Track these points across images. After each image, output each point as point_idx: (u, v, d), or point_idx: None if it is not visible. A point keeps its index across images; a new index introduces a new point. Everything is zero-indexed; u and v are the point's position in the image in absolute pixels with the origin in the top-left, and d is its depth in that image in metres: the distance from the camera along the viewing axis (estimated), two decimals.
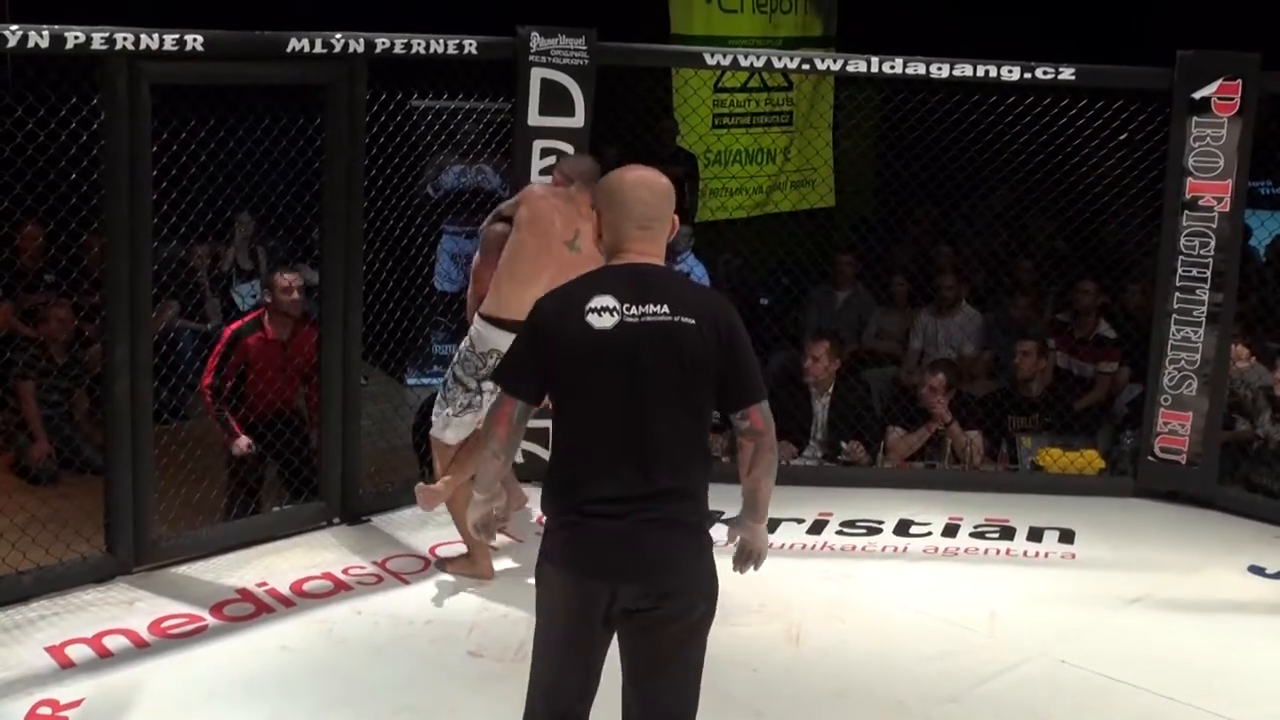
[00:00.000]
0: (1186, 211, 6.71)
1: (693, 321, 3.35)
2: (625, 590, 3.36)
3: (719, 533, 3.59)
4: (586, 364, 3.35)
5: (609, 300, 3.34)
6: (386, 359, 7.23)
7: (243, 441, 6.48)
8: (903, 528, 6.49)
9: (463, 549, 5.74)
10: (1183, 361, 6.79)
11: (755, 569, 3.68)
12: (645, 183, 3.48)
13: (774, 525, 6.48)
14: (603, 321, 3.33)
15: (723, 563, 3.52)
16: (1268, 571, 6.10)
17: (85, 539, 5.63)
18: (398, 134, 6.41)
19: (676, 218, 3.56)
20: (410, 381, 9.38)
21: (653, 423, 3.34)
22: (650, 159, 9.71)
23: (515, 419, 3.48)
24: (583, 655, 3.45)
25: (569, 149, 6.54)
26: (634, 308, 3.34)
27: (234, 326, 6.80)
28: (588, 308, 3.34)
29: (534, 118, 6.50)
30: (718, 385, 3.41)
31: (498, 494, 3.68)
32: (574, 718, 3.50)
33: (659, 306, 3.34)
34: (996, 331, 8.59)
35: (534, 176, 6.52)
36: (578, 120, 6.54)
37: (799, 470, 7.24)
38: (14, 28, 4.88)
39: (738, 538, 3.64)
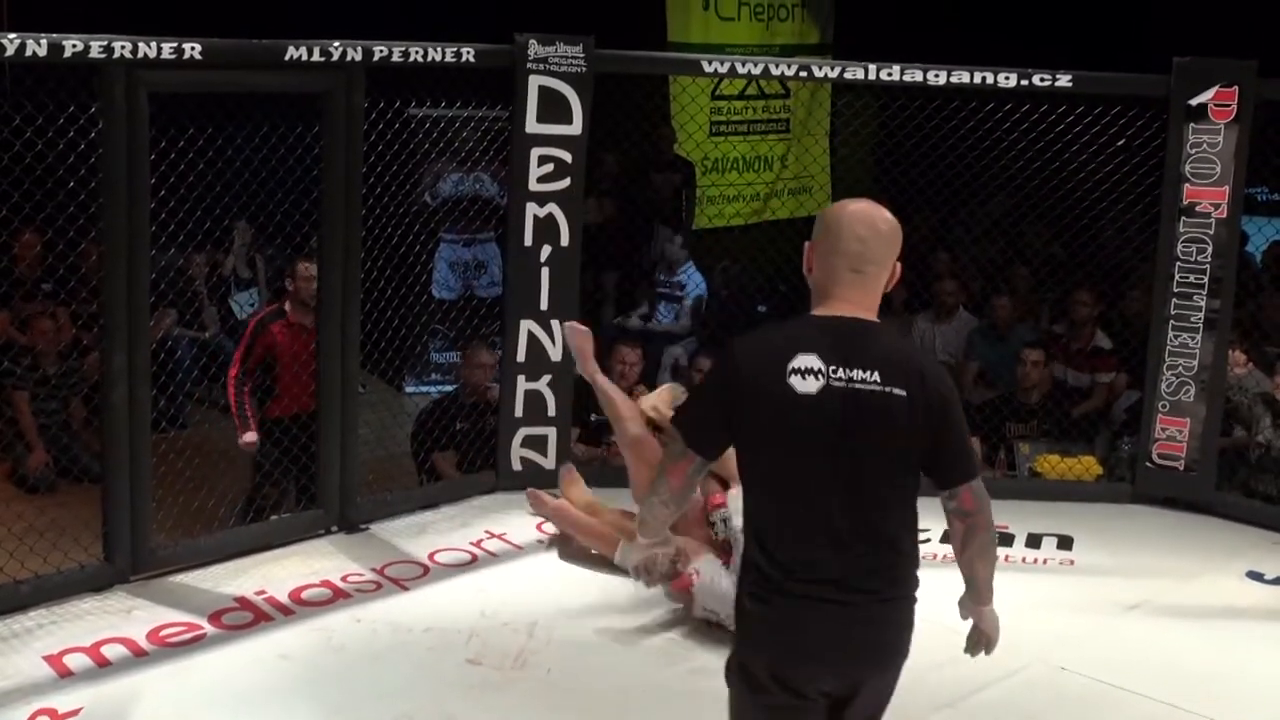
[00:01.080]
0: (1184, 218, 6.71)
1: (904, 393, 3.06)
2: (837, 680, 3.16)
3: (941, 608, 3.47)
4: (787, 431, 3.06)
5: (813, 360, 3.04)
6: (384, 367, 7.23)
7: (250, 437, 6.49)
8: None
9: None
10: (1180, 368, 6.80)
11: (988, 653, 3.51)
12: (864, 217, 3.15)
13: None
14: (806, 385, 3.03)
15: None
16: (1266, 577, 6.10)
17: (83, 548, 5.63)
18: (395, 141, 6.41)
19: (899, 266, 3.22)
20: (408, 390, 9.40)
21: (861, 498, 3.08)
22: (648, 166, 9.82)
23: (691, 475, 3.23)
24: None
25: (566, 156, 6.55)
26: (840, 370, 3.04)
27: (259, 316, 6.81)
28: (790, 367, 3.04)
29: (532, 125, 6.49)
30: (925, 459, 3.17)
31: (666, 539, 3.51)
32: None
33: (869, 374, 3.04)
34: (976, 338, 8.59)
35: (532, 185, 6.53)
36: (575, 128, 6.54)
37: None
38: (12, 36, 4.88)
39: (969, 620, 3.49)
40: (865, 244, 3.11)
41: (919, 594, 3.29)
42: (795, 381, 3.03)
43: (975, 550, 3.31)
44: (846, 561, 3.09)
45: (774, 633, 3.11)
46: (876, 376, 3.05)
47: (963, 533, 3.29)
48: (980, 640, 3.48)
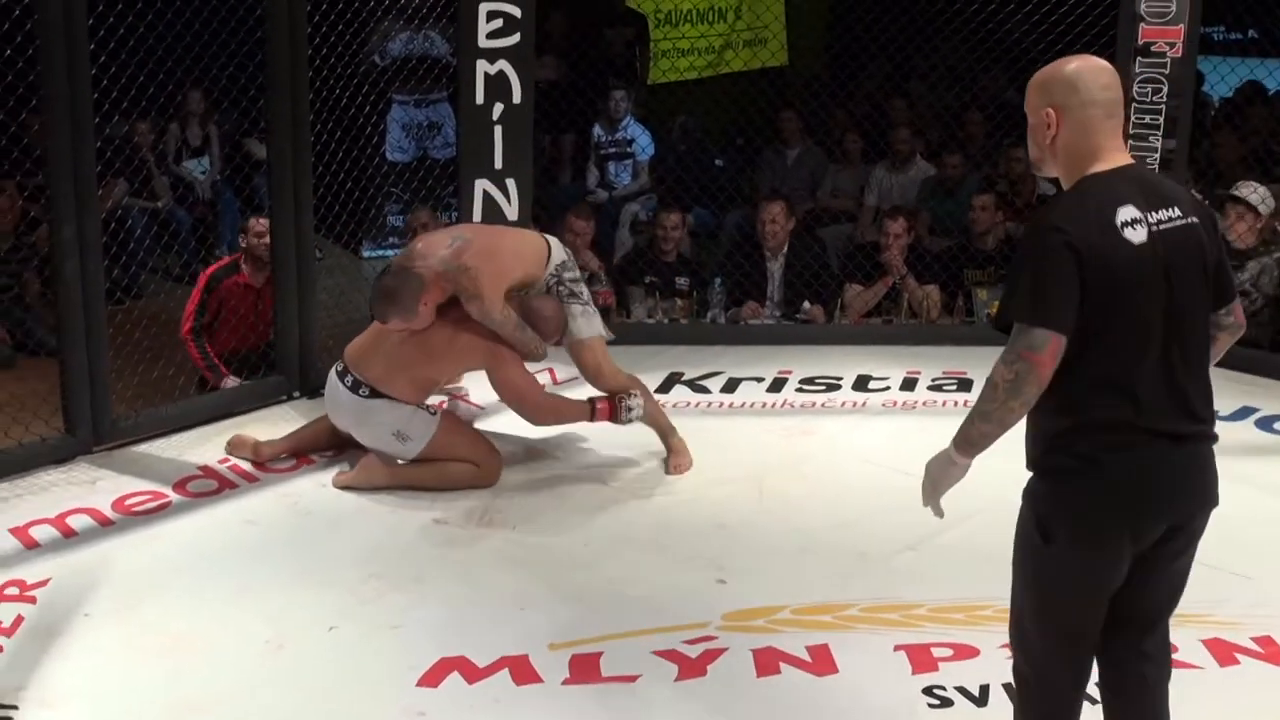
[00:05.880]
0: (1139, 58, 6.68)
1: (1197, 220, 3.07)
2: (1171, 522, 3.13)
3: None
4: (1126, 286, 2.98)
5: (1133, 211, 2.99)
6: (340, 232, 7.18)
7: (230, 382, 6.44)
8: (861, 383, 6.54)
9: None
10: None
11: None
12: (1101, 67, 3.11)
13: (734, 385, 6.53)
14: (1137, 235, 2.98)
15: None
16: (1276, 427, 6.09)
17: (44, 421, 5.60)
18: (340, 1, 6.28)
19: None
20: (366, 254, 9.33)
21: (1192, 336, 3.08)
22: (598, 21, 9.65)
23: (1059, 357, 3.01)
24: (1108, 593, 3.22)
25: (515, 11, 6.45)
26: (1153, 214, 3.02)
27: (211, 270, 6.71)
28: (1119, 222, 2.98)
29: None
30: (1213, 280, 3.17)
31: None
32: (1091, 653, 3.29)
33: (1171, 210, 3.04)
34: (927, 189, 8.56)
35: (481, 41, 6.43)
36: None
37: (757, 330, 7.28)
38: None
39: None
40: (1110, 89, 3.09)
41: None
42: (1129, 234, 2.98)
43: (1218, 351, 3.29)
44: (1181, 411, 3.07)
45: (1119, 489, 3.08)
46: (1178, 210, 3.06)
47: (1225, 344, 3.29)
48: None
